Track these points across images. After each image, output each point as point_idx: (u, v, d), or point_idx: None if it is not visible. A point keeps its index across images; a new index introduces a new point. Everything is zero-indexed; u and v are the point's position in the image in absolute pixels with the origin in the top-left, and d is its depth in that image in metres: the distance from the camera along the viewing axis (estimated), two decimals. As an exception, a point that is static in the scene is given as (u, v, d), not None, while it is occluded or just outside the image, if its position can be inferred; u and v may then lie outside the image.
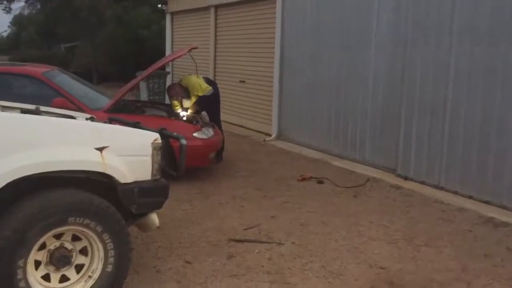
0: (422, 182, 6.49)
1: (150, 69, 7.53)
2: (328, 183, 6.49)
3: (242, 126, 10.75)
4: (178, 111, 7.06)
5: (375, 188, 6.39)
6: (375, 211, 5.43)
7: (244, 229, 4.77)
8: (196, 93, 7.10)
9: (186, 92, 7.15)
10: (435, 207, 5.64)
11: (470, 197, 5.87)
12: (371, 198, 5.95)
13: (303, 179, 6.63)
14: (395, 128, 6.98)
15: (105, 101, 6.75)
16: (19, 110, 3.69)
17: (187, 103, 7.14)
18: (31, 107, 3.99)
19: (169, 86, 7.76)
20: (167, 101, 10.27)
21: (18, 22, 33.93)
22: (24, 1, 28.63)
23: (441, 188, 6.23)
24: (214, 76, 11.69)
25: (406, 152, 6.77)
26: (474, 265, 4.12)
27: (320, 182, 6.54)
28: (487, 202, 5.68)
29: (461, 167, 6.02)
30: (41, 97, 5.88)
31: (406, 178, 6.71)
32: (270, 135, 9.71)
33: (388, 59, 7.12)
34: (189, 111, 7.05)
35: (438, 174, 6.31)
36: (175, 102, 7.21)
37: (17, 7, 30.90)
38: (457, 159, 6.06)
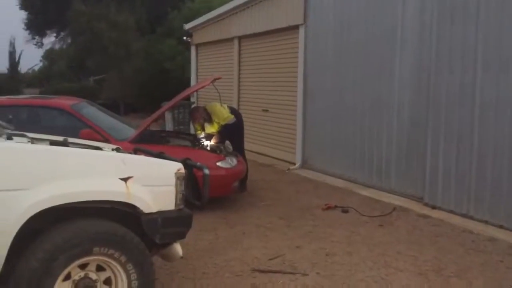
0: (451, 211, 6.34)
1: (175, 100, 7.66)
2: (353, 212, 6.41)
3: (266, 155, 10.75)
4: (201, 136, 7.14)
5: (402, 217, 6.27)
6: (403, 241, 5.32)
7: (268, 259, 4.72)
8: (217, 121, 7.18)
9: (209, 117, 7.25)
10: (464, 237, 5.49)
11: (501, 227, 5.71)
12: (398, 228, 5.83)
13: (328, 208, 6.56)
14: (421, 156, 6.89)
15: (130, 132, 6.89)
16: (48, 142, 3.78)
17: (208, 128, 7.23)
18: (60, 138, 4.09)
19: (193, 108, 7.84)
20: (191, 130, 10.39)
21: (49, 56, 35.23)
22: (55, 36, 29.80)
23: (471, 218, 6.07)
24: (238, 105, 11.80)
25: (433, 180, 6.65)
26: (507, 298, 3.97)
27: (345, 211, 6.46)
28: (518, 232, 5.52)
29: (491, 195, 5.87)
30: (70, 129, 6.06)
31: (434, 207, 6.58)
32: (294, 164, 9.68)
33: (413, 87, 7.08)
34: (213, 140, 7.11)
35: (467, 203, 6.17)
36: (198, 126, 7.31)
37: (48, 42, 32.09)
38: (486, 187, 5.92)
